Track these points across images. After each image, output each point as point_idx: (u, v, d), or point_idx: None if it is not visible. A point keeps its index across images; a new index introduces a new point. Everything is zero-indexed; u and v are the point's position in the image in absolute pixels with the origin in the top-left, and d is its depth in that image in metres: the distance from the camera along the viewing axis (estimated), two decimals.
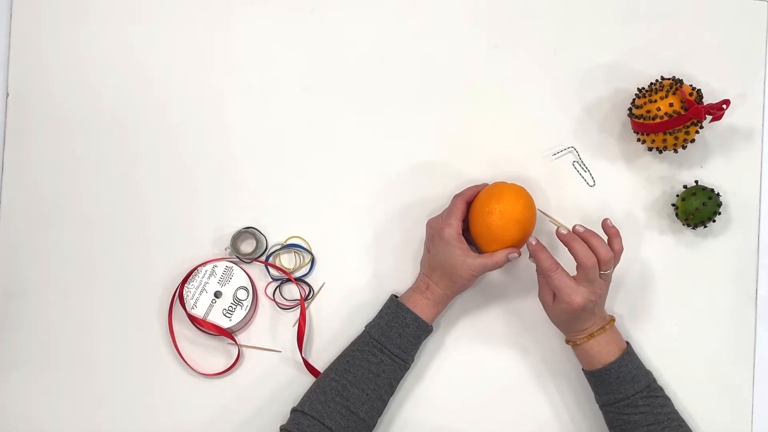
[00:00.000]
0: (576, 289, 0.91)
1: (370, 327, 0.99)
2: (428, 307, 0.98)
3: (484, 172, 1.05)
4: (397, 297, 1.00)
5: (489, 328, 1.04)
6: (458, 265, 0.95)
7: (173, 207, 1.04)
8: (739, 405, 1.04)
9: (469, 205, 0.98)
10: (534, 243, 0.93)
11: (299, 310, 1.03)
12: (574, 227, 0.93)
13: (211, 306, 1.00)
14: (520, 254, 0.96)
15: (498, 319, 1.04)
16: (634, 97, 1.01)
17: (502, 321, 1.04)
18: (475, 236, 0.98)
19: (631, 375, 0.95)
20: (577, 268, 0.91)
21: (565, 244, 0.92)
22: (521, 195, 0.97)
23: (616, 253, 0.93)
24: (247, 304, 1.01)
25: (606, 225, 0.94)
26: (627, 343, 0.98)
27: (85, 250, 1.03)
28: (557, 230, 0.92)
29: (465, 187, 1.02)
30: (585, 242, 0.91)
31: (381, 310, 1.00)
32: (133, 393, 1.02)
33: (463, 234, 0.97)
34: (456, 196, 0.99)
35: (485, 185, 0.99)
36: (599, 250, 0.91)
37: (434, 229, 0.98)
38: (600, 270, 0.91)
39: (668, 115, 0.97)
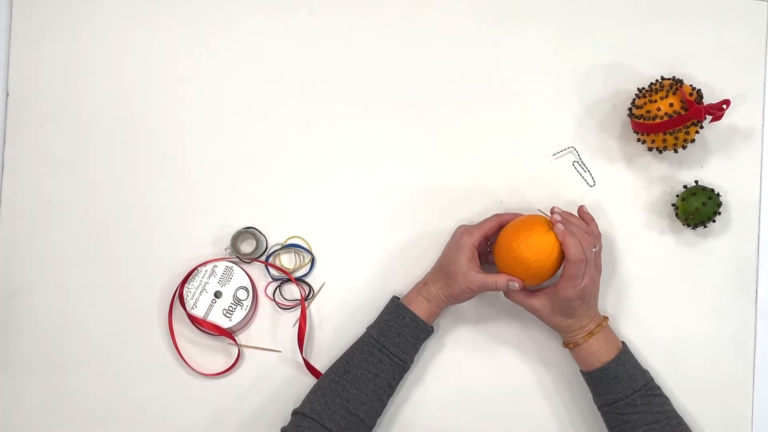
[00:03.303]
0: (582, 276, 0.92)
1: (370, 327, 0.99)
2: (423, 304, 0.98)
3: (484, 171, 1.05)
4: (398, 298, 1.00)
5: (488, 330, 1.04)
6: (459, 273, 0.95)
7: (173, 207, 1.04)
8: (739, 405, 1.04)
9: (501, 226, 0.97)
10: (562, 228, 0.91)
11: (299, 310, 1.03)
12: (552, 210, 0.95)
13: (211, 306, 1.00)
14: (520, 286, 0.94)
15: (497, 322, 1.04)
16: (634, 97, 1.01)
17: (501, 323, 1.04)
18: (496, 260, 0.97)
19: (629, 374, 0.95)
20: (568, 262, 0.92)
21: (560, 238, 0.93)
22: (551, 238, 0.93)
23: (596, 237, 0.95)
24: (247, 304, 1.01)
25: (582, 212, 0.97)
26: (623, 342, 0.98)
27: (85, 250, 1.03)
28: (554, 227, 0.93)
29: (464, 187, 1.02)
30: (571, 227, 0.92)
31: (382, 311, 1.00)
32: (133, 393, 1.02)
33: (486, 256, 0.99)
34: (495, 215, 0.98)
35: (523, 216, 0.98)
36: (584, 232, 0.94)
37: (458, 233, 0.98)
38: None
39: (668, 115, 0.97)
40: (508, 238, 0.94)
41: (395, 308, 0.98)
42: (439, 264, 0.98)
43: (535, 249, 0.92)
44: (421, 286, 0.99)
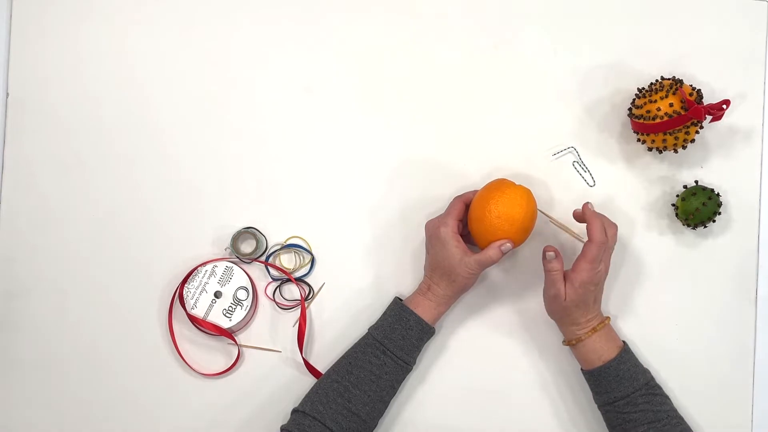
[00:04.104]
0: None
1: (373, 329, 0.99)
2: (430, 308, 0.98)
3: (485, 171, 1.05)
4: (401, 300, 1.00)
5: (490, 330, 1.04)
6: (455, 264, 0.95)
7: (173, 207, 1.04)
8: (739, 405, 1.04)
9: (468, 206, 0.98)
10: (592, 209, 0.95)
11: (299, 310, 1.03)
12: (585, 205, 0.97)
13: (211, 306, 1.00)
14: (513, 245, 0.96)
15: (499, 322, 1.04)
16: (634, 97, 1.01)
17: (502, 323, 1.04)
18: (473, 234, 0.98)
19: (629, 373, 0.95)
20: (590, 243, 0.94)
21: (585, 219, 0.95)
22: (521, 193, 0.96)
23: (611, 236, 0.96)
24: (247, 304, 1.01)
25: (586, 208, 0.97)
26: (624, 342, 0.98)
27: (85, 251, 1.03)
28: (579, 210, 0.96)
29: (465, 188, 1.03)
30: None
31: (384, 313, 1.00)
32: (133, 393, 1.02)
33: (463, 235, 0.98)
34: (455, 197, 0.99)
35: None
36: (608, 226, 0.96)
37: (431, 229, 0.98)
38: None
39: (668, 115, 0.97)
40: (482, 207, 0.96)
41: (399, 310, 0.98)
42: (432, 266, 0.98)
43: (512, 203, 0.95)
44: (425, 291, 0.98)
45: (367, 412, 0.95)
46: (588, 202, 0.97)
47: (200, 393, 1.02)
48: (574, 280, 0.94)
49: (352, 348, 0.98)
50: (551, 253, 0.94)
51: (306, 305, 1.03)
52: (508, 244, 0.95)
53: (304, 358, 1.02)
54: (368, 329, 0.99)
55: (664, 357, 1.03)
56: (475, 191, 0.99)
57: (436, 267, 0.97)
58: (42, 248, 1.03)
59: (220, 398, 1.02)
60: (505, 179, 0.99)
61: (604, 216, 0.97)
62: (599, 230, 0.93)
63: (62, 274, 1.03)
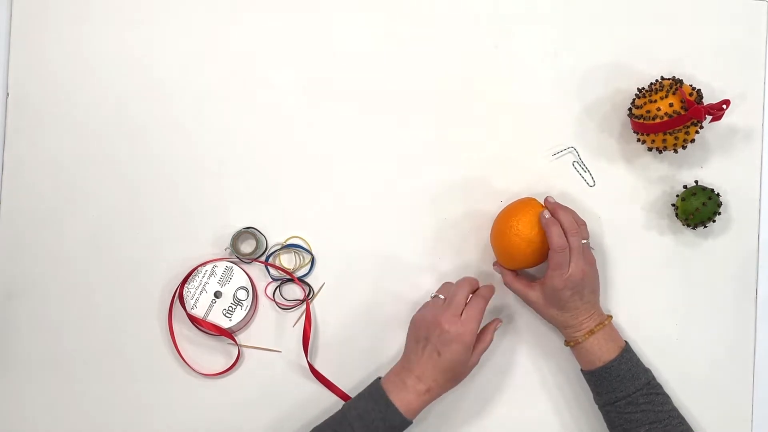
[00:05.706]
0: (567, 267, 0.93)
1: (353, 419, 0.91)
2: (421, 404, 0.92)
3: (484, 171, 1.05)
4: (382, 382, 0.93)
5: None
6: (467, 367, 0.94)
7: (173, 207, 1.04)
8: (739, 405, 1.05)
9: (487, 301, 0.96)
10: (547, 217, 0.94)
11: (302, 311, 1.03)
12: (546, 200, 0.98)
13: (211, 306, 1.00)
14: (501, 321, 0.99)
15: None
16: (634, 97, 1.01)
17: (505, 322, 1.04)
18: (495, 251, 0.99)
19: (630, 373, 0.95)
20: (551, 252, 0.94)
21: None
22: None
23: (583, 226, 0.97)
24: (247, 304, 1.01)
25: (547, 202, 0.98)
26: (625, 341, 0.98)
27: (85, 250, 1.03)
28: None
29: (463, 187, 1.02)
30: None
31: (367, 402, 0.92)
32: (133, 393, 1.02)
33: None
34: (476, 297, 0.95)
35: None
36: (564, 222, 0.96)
37: (451, 333, 0.91)
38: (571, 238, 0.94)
39: (668, 115, 0.97)
40: (506, 221, 0.97)
41: (385, 408, 0.91)
42: (445, 368, 0.92)
43: (533, 225, 0.95)
44: (422, 392, 0.92)
45: None
46: (544, 211, 0.95)
47: (200, 393, 1.02)
48: (546, 287, 0.95)
49: (326, 423, 0.93)
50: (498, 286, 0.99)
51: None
52: (499, 323, 0.98)
53: (308, 362, 1.02)
54: (343, 406, 0.94)
55: (663, 357, 1.03)
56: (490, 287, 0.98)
57: (448, 370, 0.92)
58: (42, 248, 1.03)
59: (220, 398, 1.02)
60: (529, 198, 0.99)
61: (571, 212, 0.96)
62: (555, 236, 0.93)
63: (62, 274, 1.03)
